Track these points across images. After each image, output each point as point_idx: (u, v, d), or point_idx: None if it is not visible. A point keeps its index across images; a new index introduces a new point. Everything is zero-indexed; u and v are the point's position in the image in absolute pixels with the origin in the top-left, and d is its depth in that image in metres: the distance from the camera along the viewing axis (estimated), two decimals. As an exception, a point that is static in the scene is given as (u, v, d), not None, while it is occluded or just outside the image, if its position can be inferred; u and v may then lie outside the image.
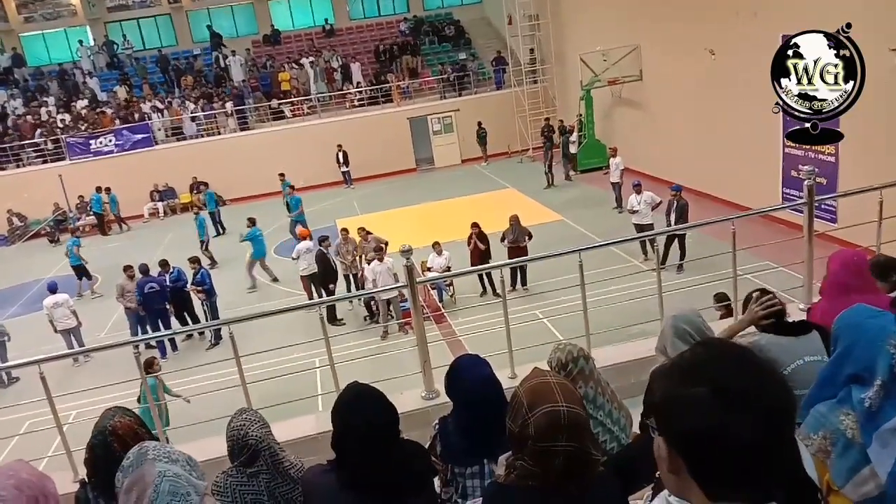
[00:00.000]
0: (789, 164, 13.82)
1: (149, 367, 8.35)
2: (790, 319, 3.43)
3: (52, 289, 12.77)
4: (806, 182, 5.73)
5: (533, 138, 24.45)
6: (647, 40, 18.75)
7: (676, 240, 12.71)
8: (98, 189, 22.11)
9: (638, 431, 3.13)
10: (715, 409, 1.15)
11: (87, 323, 13.04)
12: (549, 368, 2.99)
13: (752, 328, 3.46)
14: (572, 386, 2.13)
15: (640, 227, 13.15)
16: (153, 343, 12.18)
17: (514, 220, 13.03)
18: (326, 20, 30.75)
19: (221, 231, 20.36)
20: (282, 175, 20.37)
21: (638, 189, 13.48)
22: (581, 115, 21.88)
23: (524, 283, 12.98)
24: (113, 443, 2.65)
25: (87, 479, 2.85)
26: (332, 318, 12.52)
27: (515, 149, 25.55)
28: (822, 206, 12.08)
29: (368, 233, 13.50)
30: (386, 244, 12.79)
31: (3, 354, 12.12)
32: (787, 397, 1.22)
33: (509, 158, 25.49)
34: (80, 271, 16.44)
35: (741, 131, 14.62)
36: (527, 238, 12.91)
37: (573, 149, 22.01)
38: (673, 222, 12.52)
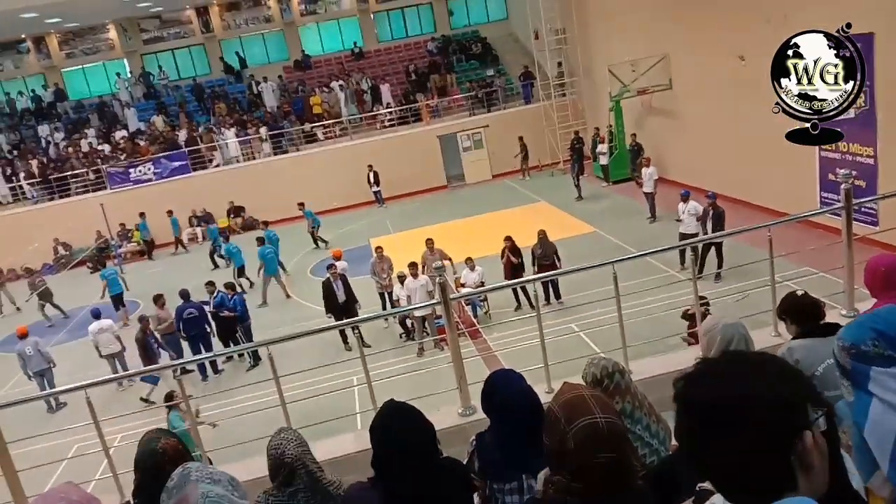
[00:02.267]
0: (826, 167, 13.56)
1: (169, 399, 8.51)
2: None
3: (97, 315, 13.10)
4: (843, 185, 5.64)
5: (563, 151, 24.40)
6: (675, 48, 18.62)
7: (713, 248, 12.53)
8: (142, 215, 22.74)
9: (677, 443, 3.09)
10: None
11: (131, 348, 13.31)
12: (582, 383, 2.98)
13: (787, 333, 3.42)
14: (606, 397, 2.13)
15: (683, 237, 13.01)
16: (189, 367, 12.38)
17: (543, 235, 12.99)
18: (355, 43, 31.23)
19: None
20: (301, 204, 20.72)
21: (685, 198, 13.40)
22: (611, 126, 21.80)
23: (557, 296, 12.91)
24: (166, 464, 2.65)
25: (132, 500, 2.90)
26: (345, 339, 12.66)
27: (546, 162, 25.51)
28: (862, 210, 11.81)
29: (434, 246, 13.42)
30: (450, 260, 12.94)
31: (51, 381, 12.44)
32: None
33: (540, 172, 25.45)
34: (119, 301, 16.70)
35: (775, 136, 14.21)
36: (555, 256, 12.84)
37: (604, 160, 21.93)
38: (710, 230, 12.36)
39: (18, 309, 19.36)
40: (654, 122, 20.88)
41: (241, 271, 17.53)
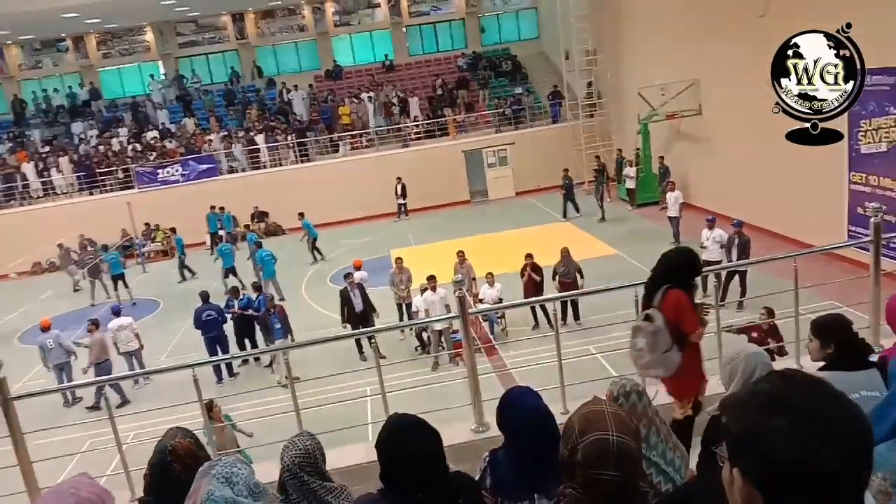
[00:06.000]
0: (855, 200, 13.36)
1: (209, 410, 8.55)
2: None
3: (117, 312, 13.25)
4: (872, 219, 5.55)
5: (589, 172, 24.28)
6: (706, 74, 18.55)
7: (737, 276, 12.38)
8: (212, 208, 23.22)
9: (694, 471, 3.04)
10: (800, 439, 1.12)
11: (149, 346, 13.42)
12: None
13: (810, 363, 3.34)
14: (627, 416, 2.10)
15: (706, 264, 12.83)
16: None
17: (566, 253, 12.92)
18: (386, 56, 31.52)
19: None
20: (301, 214, 20.73)
21: (710, 225, 13.26)
22: (639, 150, 21.72)
23: (577, 317, 12.81)
24: (173, 463, 2.66)
25: (143, 498, 2.87)
26: (361, 349, 12.48)
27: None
28: (891, 245, 11.60)
29: (465, 259, 13.42)
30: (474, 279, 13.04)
31: (70, 374, 12.57)
32: (867, 428, 1.18)
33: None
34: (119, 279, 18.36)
35: (804, 167, 14.24)
36: (577, 274, 12.75)
37: (630, 184, 21.83)
38: (734, 258, 12.21)
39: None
40: (682, 147, 20.77)
41: (228, 272, 17.81)
